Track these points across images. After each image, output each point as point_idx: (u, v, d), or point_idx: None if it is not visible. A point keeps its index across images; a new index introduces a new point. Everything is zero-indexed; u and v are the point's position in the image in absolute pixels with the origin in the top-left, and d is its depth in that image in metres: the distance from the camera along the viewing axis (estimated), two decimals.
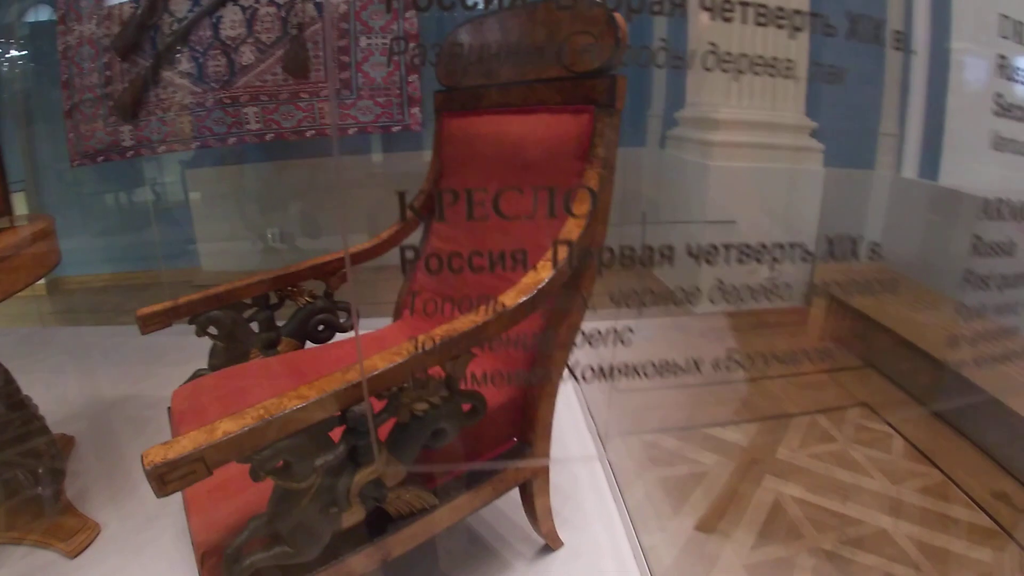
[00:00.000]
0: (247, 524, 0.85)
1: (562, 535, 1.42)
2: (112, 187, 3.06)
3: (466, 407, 0.97)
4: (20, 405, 1.54)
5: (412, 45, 2.41)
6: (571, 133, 1.08)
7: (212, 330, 1.33)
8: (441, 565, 1.12)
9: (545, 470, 1.26)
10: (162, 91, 2.48)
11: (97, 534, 1.52)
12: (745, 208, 2.66)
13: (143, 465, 0.69)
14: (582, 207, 1.05)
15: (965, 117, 2.23)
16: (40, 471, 1.52)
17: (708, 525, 1.62)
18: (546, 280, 1.00)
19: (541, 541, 1.43)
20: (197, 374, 1.35)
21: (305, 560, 0.88)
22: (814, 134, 2.67)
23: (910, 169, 2.49)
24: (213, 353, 1.36)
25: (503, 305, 0.96)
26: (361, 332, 1.46)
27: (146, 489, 1.53)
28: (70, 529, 1.51)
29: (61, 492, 1.56)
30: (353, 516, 0.90)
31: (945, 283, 2.27)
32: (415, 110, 2.42)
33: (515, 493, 1.26)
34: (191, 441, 0.70)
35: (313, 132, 2.43)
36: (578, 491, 1.53)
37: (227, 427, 0.72)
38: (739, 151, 2.64)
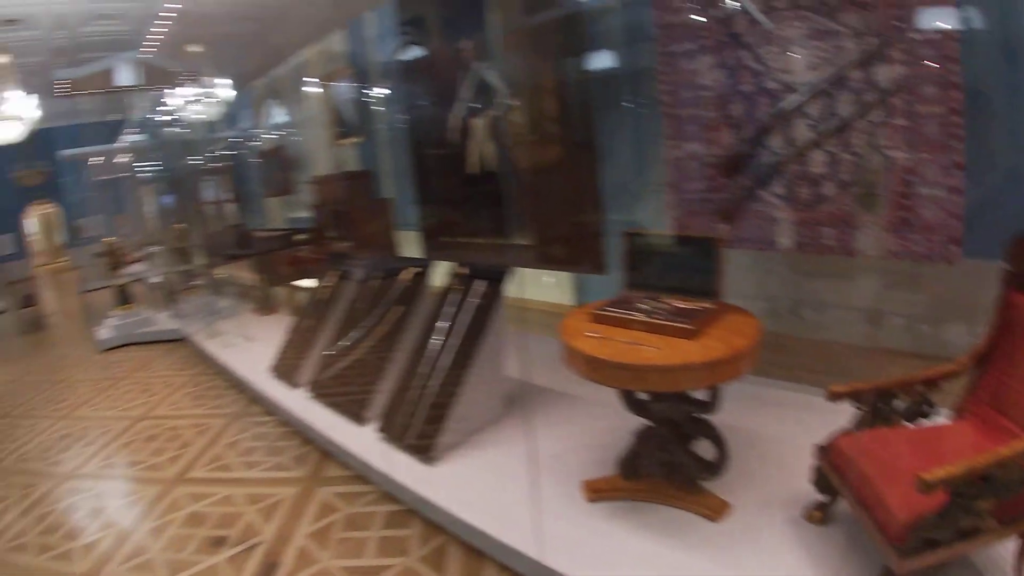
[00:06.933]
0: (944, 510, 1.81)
1: None
2: None
3: None
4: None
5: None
6: None
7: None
8: None
9: None
10: (755, 204, 3.61)
11: (728, 511, 2.66)
12: None
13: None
14: None
15: None
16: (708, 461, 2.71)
17: None
18: None
19: None
20: (843, 431, 2.38)
21: None
22: None
23: None
24: (862, 420, 2.36)
25: None
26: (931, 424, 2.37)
27: (755, 488, 2.72)
28: (711, 504, 2.67)
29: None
30: None
31: None
32: (954, 247, 3.17)
33: None
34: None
35: (873, 254, 3.34)
36: None
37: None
38: None
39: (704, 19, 3.67)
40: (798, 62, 3.38)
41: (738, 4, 3.51)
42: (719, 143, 3.75)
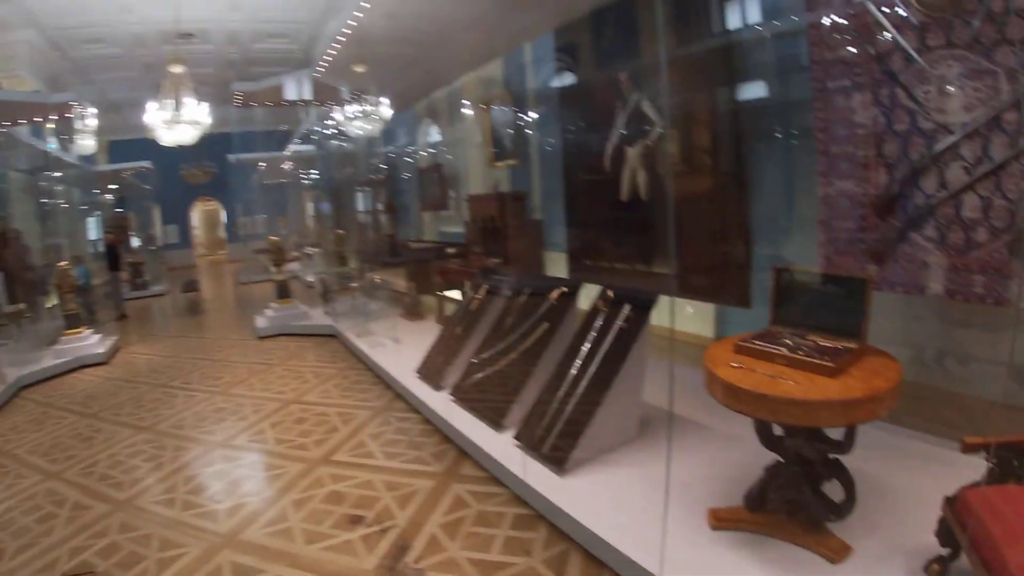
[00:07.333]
0: None
1: None
2: None
3: None
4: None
5: None
6: None
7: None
8: None
9: None
10: (906, 246, 3.57)
11: (849, 554, 2.64)
12: None
13: None
14: None
15: None
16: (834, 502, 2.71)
17: None
18: None
19: None
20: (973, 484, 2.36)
21: None
22: None
23: None
24: (991, 475, 2.34)
25: None
26: None
27: (879, 534, 2.83)
28: (833, 544, 2.67)
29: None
30: None
31: None
32: None
33: None
34: None
35: None
36: None
37: None
38: None
39: (860, 56, 3.69)
40: (953, 102, 3.35)
41: (892, 40, 3.51)
42: (872, 182, 3.74)
